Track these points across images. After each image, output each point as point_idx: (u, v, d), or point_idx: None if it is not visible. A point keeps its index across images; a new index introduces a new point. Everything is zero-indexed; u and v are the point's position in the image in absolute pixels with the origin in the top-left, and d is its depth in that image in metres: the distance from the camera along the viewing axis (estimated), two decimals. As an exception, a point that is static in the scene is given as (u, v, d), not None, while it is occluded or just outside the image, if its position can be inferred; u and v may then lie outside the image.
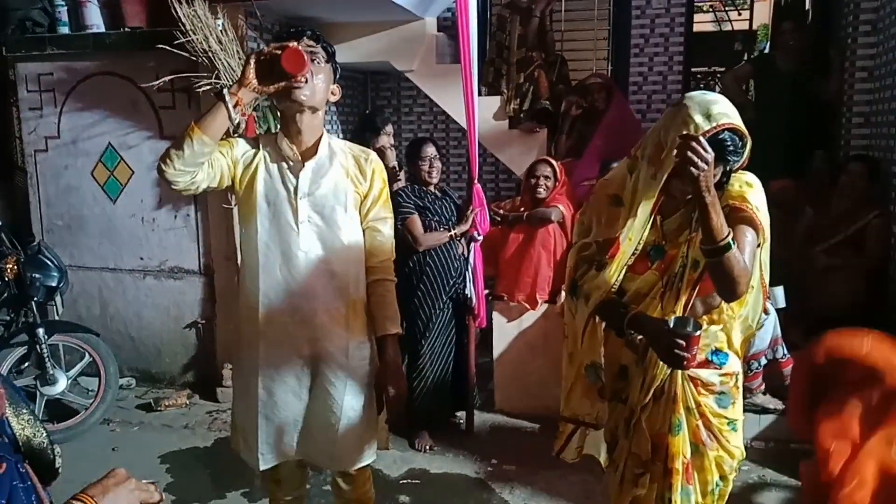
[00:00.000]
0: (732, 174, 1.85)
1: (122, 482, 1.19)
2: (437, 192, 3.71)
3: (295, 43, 1.85)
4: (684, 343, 1.71)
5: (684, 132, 1.70)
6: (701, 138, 1.66)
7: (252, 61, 1.85)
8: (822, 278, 3.88)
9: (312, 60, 1.95)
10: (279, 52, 1.82)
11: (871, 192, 3.89)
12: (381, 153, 3.85)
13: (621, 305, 1.93)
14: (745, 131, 1.75)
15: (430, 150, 3.66)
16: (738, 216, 1.79)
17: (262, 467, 2.14)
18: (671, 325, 1.75)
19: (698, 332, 1.73)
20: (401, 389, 2.16)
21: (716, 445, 1.97)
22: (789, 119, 4.56)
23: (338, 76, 2.10)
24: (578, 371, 2.08)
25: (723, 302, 1.91)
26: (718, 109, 1.72)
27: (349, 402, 2.11)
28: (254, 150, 2.06)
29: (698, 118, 1.70)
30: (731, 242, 1.69)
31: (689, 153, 1.63)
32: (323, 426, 2.12)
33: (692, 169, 1.64)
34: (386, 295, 2.17)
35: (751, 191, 1.83)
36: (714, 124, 1.69)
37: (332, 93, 2.07)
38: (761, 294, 1.97)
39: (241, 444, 2.18)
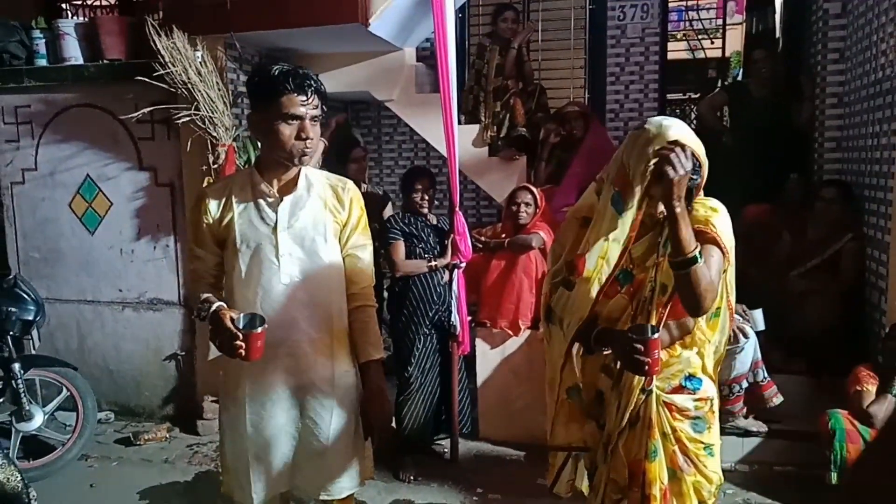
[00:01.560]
0: (696, 200, 1.90)
1: None
2: (426, 219, 3.73)
3: (260, 329, 1.87)
4: (643, 347, 1.74)
5: (649, 149, 1.77)
6: (686, 147, 1.73)
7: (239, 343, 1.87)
8: (800, 301, 3.93)
9: (314, 120, 1.99)
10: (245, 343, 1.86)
11: (846, 215, 3.96)
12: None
13: (592, 325, 1.96)
14: (701, 154, 1.83)
15: (423, 182, 3.70)
16: (702, 238, 1.84)
17: None
18: (630, 333, 1.79)
19: (656, 336, 1.76)
20: (386, 415, 2.16)
21: (693, 471, 1.98)
22: (764, 144, 4.64)
23: None
24: (560, 397, 2.10)
25: (696, 326, 1.94)
26: (675, 132, 1.79)
27: (336, 430, 2.11)
28: (224, 199, 2.07)
29: (657, 139, 1.78)
30: (699, 255, 1.74)
31: (671, 155, 1.72)
32: (311, 456, 2.11)
33: (669, 170, 1.71)
34: (368, 321, 2.17)
35: (715, 215, 1.88)
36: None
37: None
38: (728, 317, 2.01)
39: (234, 485, 2.15)
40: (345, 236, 2.13)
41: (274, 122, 1.95)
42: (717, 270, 1.82)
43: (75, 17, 4.44)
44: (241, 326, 1.87)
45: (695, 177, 1.82)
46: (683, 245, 1.74)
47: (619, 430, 1.98)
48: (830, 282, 3.91)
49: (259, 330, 1.87)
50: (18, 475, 1.23)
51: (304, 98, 1.95)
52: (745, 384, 3.47)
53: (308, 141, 1.97)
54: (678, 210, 1.73)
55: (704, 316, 1.91)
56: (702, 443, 1.98)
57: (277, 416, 2.08)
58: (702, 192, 1.94)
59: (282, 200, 2.04)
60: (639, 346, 1.75)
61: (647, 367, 1.76)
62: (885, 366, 3.13)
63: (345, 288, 2.14)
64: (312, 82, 1.97)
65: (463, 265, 3.66)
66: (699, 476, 1.98)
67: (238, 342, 1.85)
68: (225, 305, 1.95)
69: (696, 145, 1.83)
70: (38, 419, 3.77)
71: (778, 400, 3.52)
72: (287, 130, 1.95)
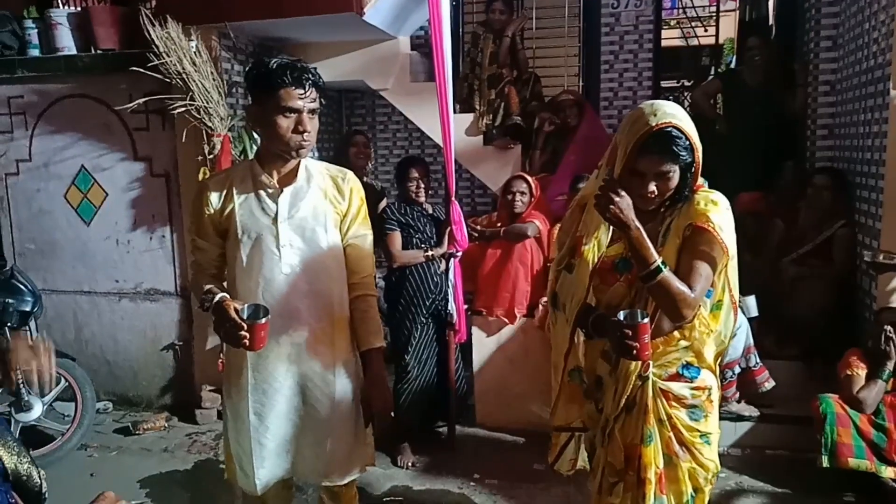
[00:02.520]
0: (699, 192, 1.89)
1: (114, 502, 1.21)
2: (422, 209, 3.75)
3: (264, 320, 1.90)
4: (630, 332, 1.77)
5: (637, 126, 1.82)
6: (612, 184, 1.83)
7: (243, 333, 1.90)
8: (793, 287, 3.97)
9: (312, 113, 2.01)
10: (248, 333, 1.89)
11: (838, 202, 4.00)
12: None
13: (592, 311, 2.01)
14: (690, 133, 1.82)
15: (418, 171, 3.71)
16: (696, 240, 1.85)
17: (260, 492, 2.16)
18: (621, 318, 1.81)
19: (645, 321, 1.79)
20: (387, 402, 2.20)
21: (689, 458, 2.00)
22: (758, 132, 4.68)
23: None
24: (563, 378, 2.15)
25: (697, 317, 1.94)
26: (666, 110, 1.83)
27: (338, 417, 2.15)
28: (225, 190, 2.10)
29: (648, 116, 1.82)
30: (662, 266, 1.80)
31: (602, 199, 1.81)
32: (313, 443, 2.16)
33: (603, 212, 1.82)
34: (368, 310, 2.21)
35: (715, 209, 1.87)
36: (660, 121, 1.80)
37: None
38: (732, 310, 2.01)
39: (238, 472, 2.19)
40: (345, 226, 2.16)
41: (272, 115, 1.98)
42: (706, 276, 1.84)
43: (67, 7, 4.40)
44: (245, 317, 1.90)
45: (684, 154, 1.81)
46: (644, 260, 1.81)
47: (616, 414, 2.01)
48: (822, 267, 3.95)
49: (263, 321, 1.90)
50: (29, 457, 1.27)
51: (302, 91, 1.97)
52: (737, 370, 3.52)
53: (305, 134, 2.00)
54: (631, 234, 1.81)
55: (707, 306, 1.94)
56: (698, 431, 2.00)
57: (279, 404, 2.12)
58: (705, 183, 1.94)
59: (282, 191, 2.07)
60: (627, 331, 1.78)
61: (635, 352, 1.78)
62: (874, 350, 3.17)
63: (345, 277, 2.18)
64: (310, 76, 2.00)
65: (459, 254, 3.68)
66: (694, 463, 2.00)
67: (242, 332, 1.89)
68: (228, 296, 1.98)
69: (688, 127, 1.83)
70: (37, 410, 3.79)
71: (769, 385, 3.57)
72: (285, 123, 1.98)
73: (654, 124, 1.79)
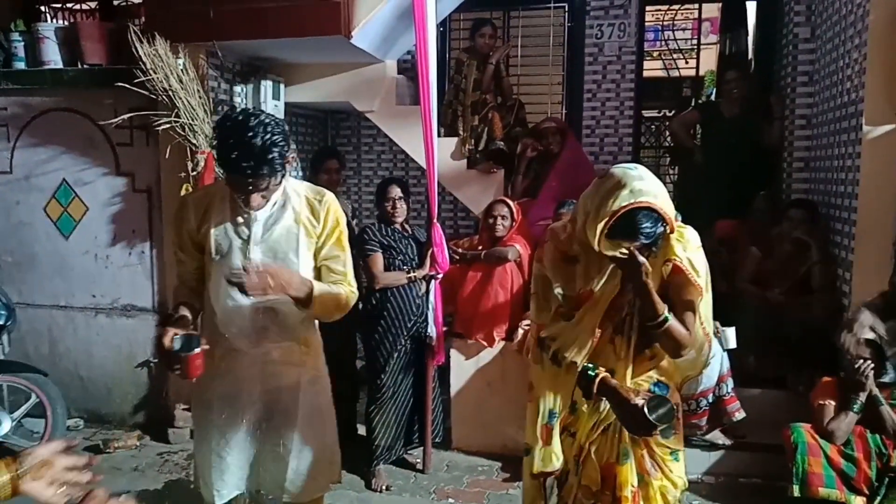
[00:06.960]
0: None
1: (104, 502, 1.20)
2: (402, 230, 3.76)
3: (197, 350, 1.94)
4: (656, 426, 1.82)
5: (609, 202, 1.76)
6: (636, 253, 1.78)
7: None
8: (777, 316, 3.96)
9: (261, 189, 2.01)
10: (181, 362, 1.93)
11: (812, 235, 4.04)
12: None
13: (588, 367, 1.94)
14: (664, 211, 1.78)
15: (395, 192, 3.72)
16: (679, 286, 1.91)
17: (218, 503, 2.21)
18: (645, 405, 1.80)
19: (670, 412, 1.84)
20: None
21: (660, 475, 2.05)
22: (734, 162, 4.76)
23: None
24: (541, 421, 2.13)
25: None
26: (640, 186, 1.76)
27: (301, 434, 2.20)
28: (203, 209, 2.13)
29: (621, 191, 1.76)
30: (669, 315, 1.86)
31: (630, 265, 1.81)
32: (276, 458, 2.20)
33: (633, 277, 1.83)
34: (333, 286, 2.17)
35: (688, 248, 1.90)
36: (633, 200, 1.74)
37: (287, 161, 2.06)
38: (706, 341, 2.04)
39: (200, 482, 2.26)
40: (319, 247, 2.18)
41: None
42: (694, 320, 1.91)
43: (55, 21, 4.42)
44: (177, 348, 1.93)
45: (646, 235, 1.77)
46: (653, 311, 1.86)
47: (591, 439, 2.05)
48: (804, 297, 3.95)
49: (196, 351, 1.93)
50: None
51: (253, 181, 1.95)
52: (711, 398, 3.54)
53: (252, 205, 2.02)
54: (646, 289, 1.83)
55: None
56: (668, 447, 2.06)
57: (243, 420, 2.18)
58: (678, 217, 1.93)
59: (256, 217, 2.10)
60: (643, 418, 1.81)
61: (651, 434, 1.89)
62: (847, 381, 3.20)
63: None
64: (265, 166, 1.92)
65: (440, 276, 3.70)
66: (665, 480, 2.06)
67: (174, 365, 1.93)
68: (173, 327, 1.99)
69: (660, 202, 1.77)
70: (6, 426, 3.74)
71: (740, 415, 3.56)
72: (236, 189, 2.01)
73: (625, 203, 1.74)
